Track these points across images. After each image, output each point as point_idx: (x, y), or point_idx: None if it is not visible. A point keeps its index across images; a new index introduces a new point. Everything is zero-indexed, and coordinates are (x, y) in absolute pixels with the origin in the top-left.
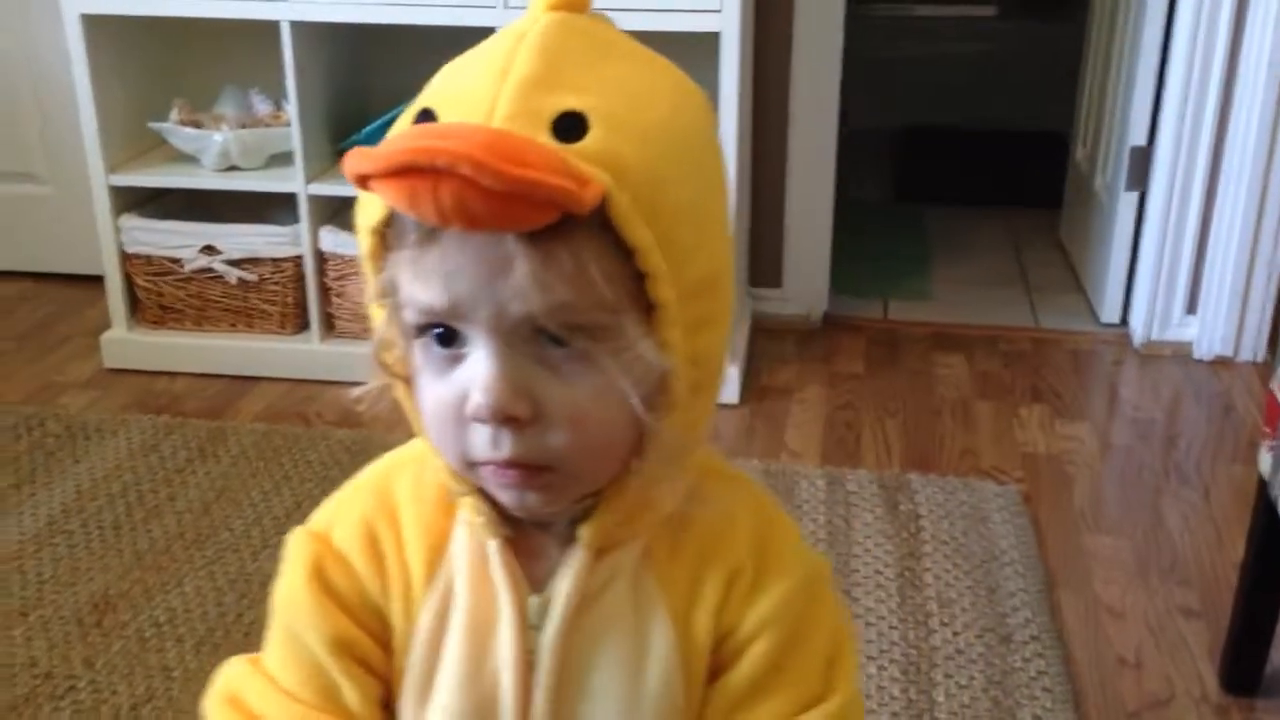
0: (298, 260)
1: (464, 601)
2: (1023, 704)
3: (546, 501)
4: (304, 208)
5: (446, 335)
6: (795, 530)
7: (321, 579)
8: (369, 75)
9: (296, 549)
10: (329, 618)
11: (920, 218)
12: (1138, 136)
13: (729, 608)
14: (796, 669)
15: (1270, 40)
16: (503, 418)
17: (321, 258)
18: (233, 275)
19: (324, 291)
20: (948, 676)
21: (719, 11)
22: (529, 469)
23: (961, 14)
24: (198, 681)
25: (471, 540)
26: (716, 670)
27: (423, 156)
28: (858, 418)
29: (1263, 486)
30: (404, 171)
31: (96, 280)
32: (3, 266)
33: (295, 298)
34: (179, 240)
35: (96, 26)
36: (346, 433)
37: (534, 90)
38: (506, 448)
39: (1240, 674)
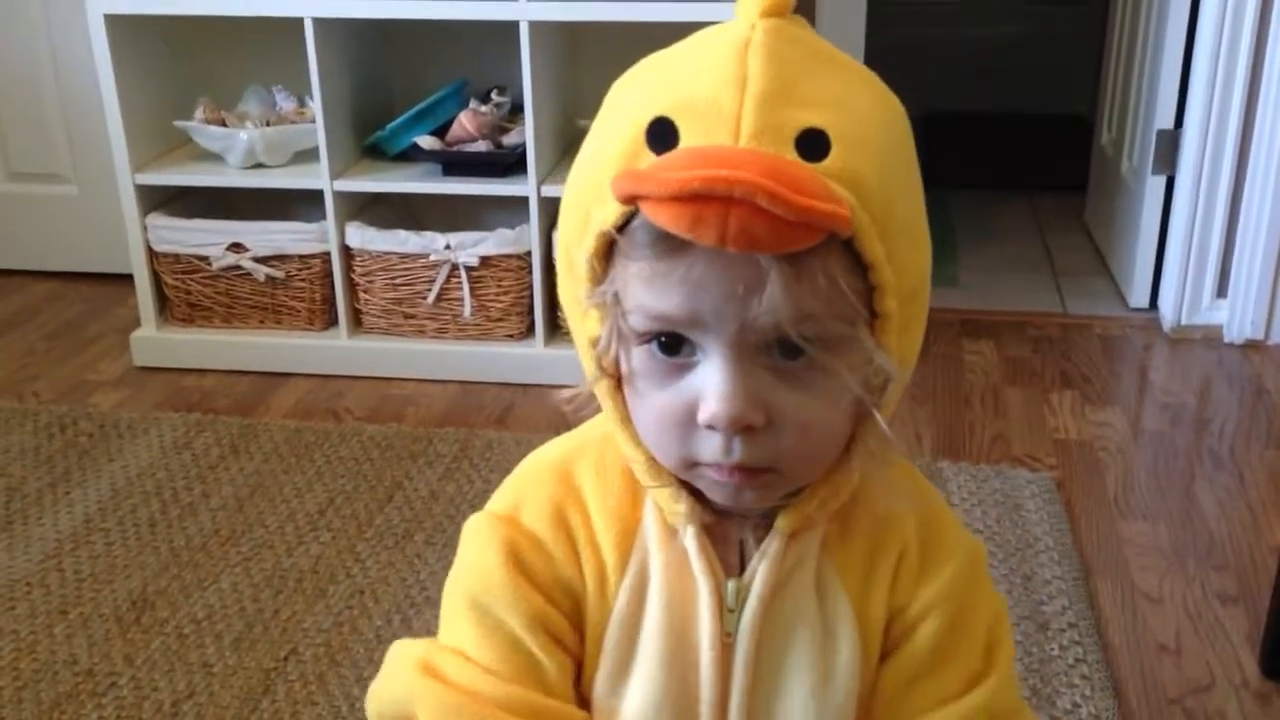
0: (325, 256)
1: (660, 586)
2: (1061, 692)
3: (761, 499)
4: (330, 204)
5: (672, 344)
6: (951, 511)
7: (518, 561)
8: (392, 71)
9: (484, 532)
10: (528, 597)
11: (944, 203)
12: (1164, 119)
13: (898, 587)
14: (962, 648)
15: None
16: (740, 427)
17: (348, 253)
18: (260, 272)
19: (351, 287)
20: None
21: None
22: (752, 471)
23: None
24: (238, 677)
25: (661, 526)
26: (886, 649)
27: (719, 185)
28: None
29: None
30: (693, 198)
31: (125, 279)
32: (31, 266)
33: (323, 294)
34: (206, 238)
35: (120, 26)
36: (377, 428)
37: (775, 105)
38: (738, 453)
39: None
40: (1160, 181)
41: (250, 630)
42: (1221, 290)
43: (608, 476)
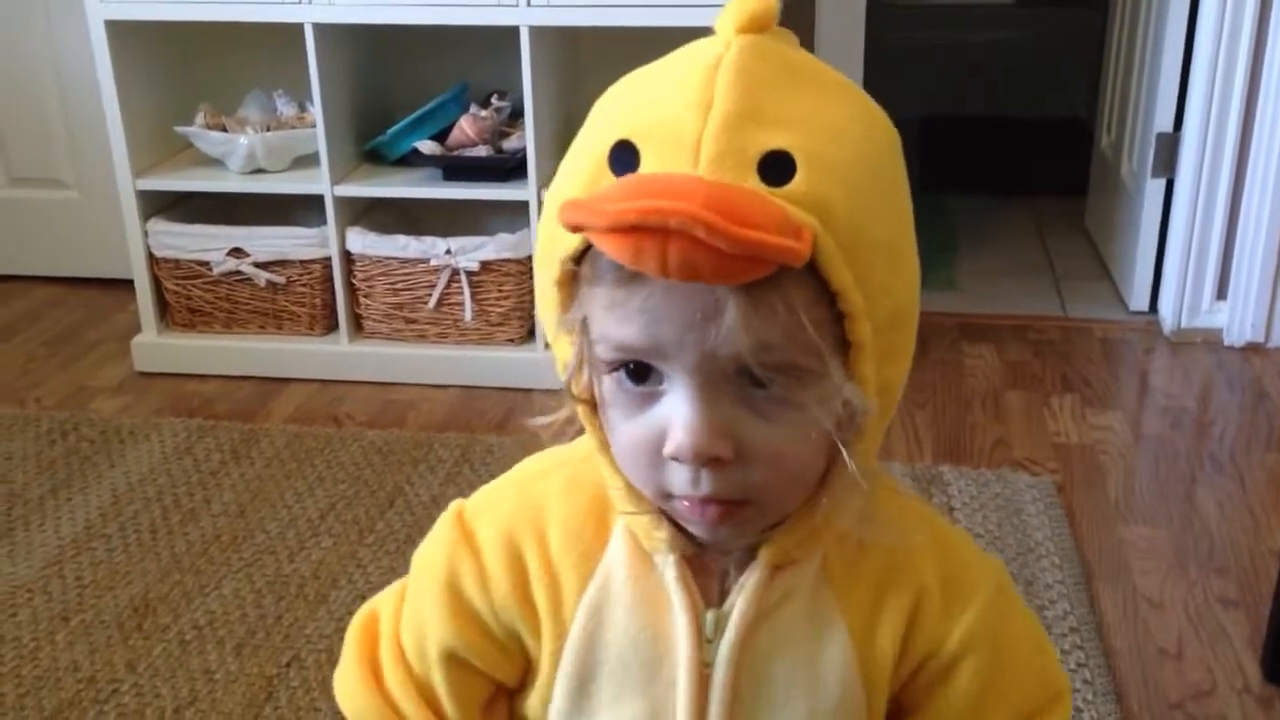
0: (325, 262)
1: (630, 613)
2: None
3: (739, 535)
4: (330, 209)
5: (640, 372)
6: (969, 539)
7: (454, 587)
8: (392, 75)
9: (440, 539)
10: (449, 623)
11: (943, 207)
12: (1164, 123)
13: (922, 629)
14: (1013, 678)
15: None
16: (705, 459)
17: (349, 258)
18: (261, 278)
19: (352, 292)
20: None
21: None
22: (726, 504)
23: (982, 1)
24: (239, 684)
25: (633, 551)
26: (924, 689)
27: (654, 217)
28: None
29: None
30: (632, 229)
31: (126, 284)
32: (32, 272)
33: (323, 299)
34: (207, 243)
35: (121, 32)
36: (378, 433)
37: (739, 127)
38: (706, 486)
39: None
40: (1160, 185)
41: (252, 636)
42: (1221, 293)
43: (577, 495)
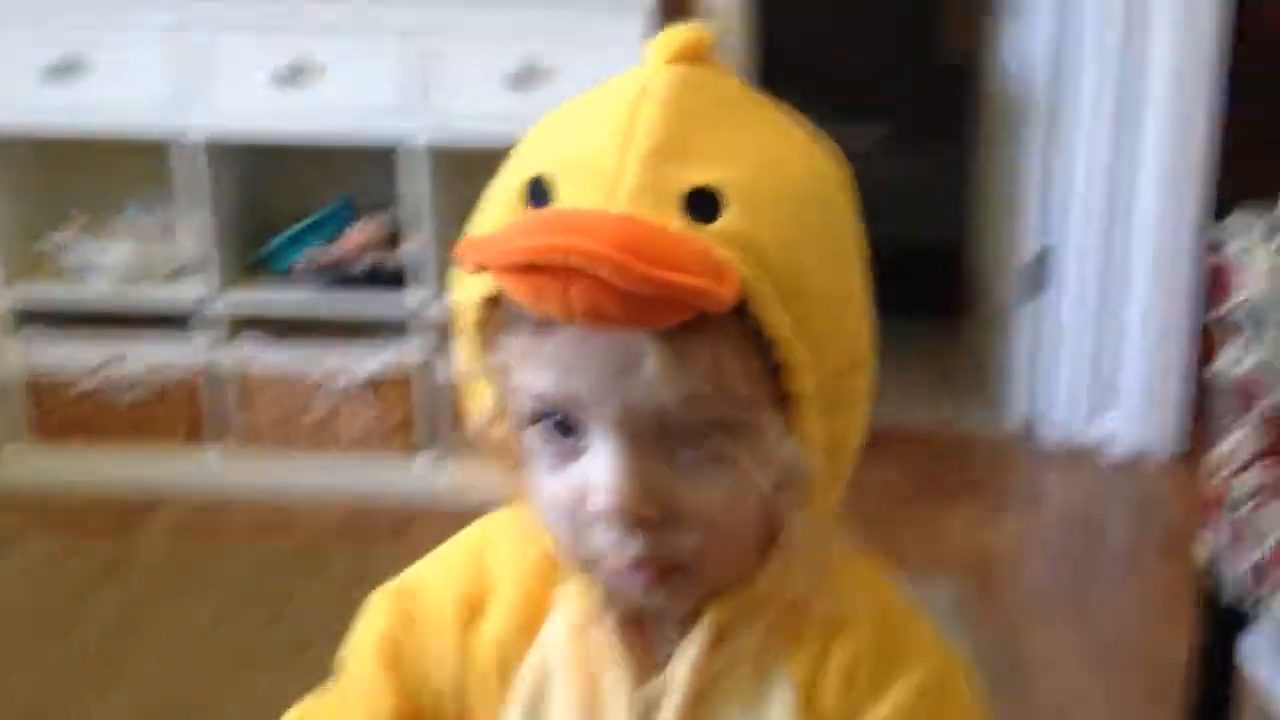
0: (203, 372)
1: (568, 680)
2: None
3: (674, 600)
4: (210, 321)
5: (563, 425)
6: (925, 622)
7: (393, 652)
8: (275, 187)
9: (372, 611)
10: (381, 697)
11: None
12: (1033, 245)
13: (847, 700)
14: None
15: (1164, 138)
16: (630, 520)
17: (229, 370)
18: (136, 389)
19: (234, 403)
20: None
21: None
22: (657, 569)
23: (854, 132)
24: None
25: (577, 615)
26: None
27: (555, 255)
28: None
29: (1203, 574)
30: (530, 268)
31: None
32: None
33: (202, 410)
34: (80, 355)
35: None
36: (262, 545)
37: (662, 161)
38: (635, 549)
39: None
40: (1035, 304)
41: None
42: (1105, 405)
43: (524, 557)
